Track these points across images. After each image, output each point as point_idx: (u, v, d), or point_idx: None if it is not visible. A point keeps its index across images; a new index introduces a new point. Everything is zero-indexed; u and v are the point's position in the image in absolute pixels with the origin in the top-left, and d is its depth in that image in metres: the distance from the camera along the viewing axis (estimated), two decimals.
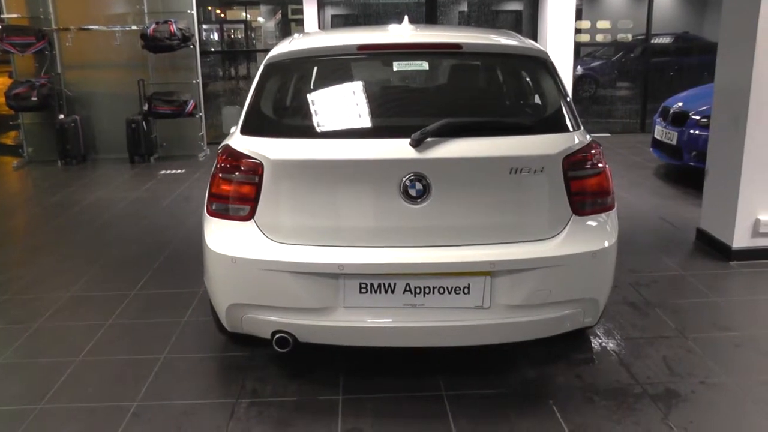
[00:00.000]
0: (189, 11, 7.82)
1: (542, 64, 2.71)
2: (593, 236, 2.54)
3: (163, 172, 7.37)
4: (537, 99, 2.65)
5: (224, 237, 2.54)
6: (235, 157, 2.52)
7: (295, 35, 3.10)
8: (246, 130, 2.60)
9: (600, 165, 2.56)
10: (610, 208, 2.61)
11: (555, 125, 2.56)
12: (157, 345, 3.23)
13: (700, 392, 2.76)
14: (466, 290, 2.44)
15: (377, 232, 2.45)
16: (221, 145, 2.70)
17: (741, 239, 4.14)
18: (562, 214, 2.51)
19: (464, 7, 10.17)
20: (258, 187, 2.47)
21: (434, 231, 2.44)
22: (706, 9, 13.38)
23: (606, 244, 2.54)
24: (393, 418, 2.60)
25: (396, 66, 2.67)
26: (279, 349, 2.55)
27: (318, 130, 2.58)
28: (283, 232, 2.48)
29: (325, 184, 2.45)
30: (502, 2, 10.90)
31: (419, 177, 2.39)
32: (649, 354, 3.08)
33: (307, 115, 2.63)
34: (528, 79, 2.68)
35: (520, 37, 2.94)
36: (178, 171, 7.41)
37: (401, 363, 2.98)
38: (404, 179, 2.39)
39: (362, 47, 2.69)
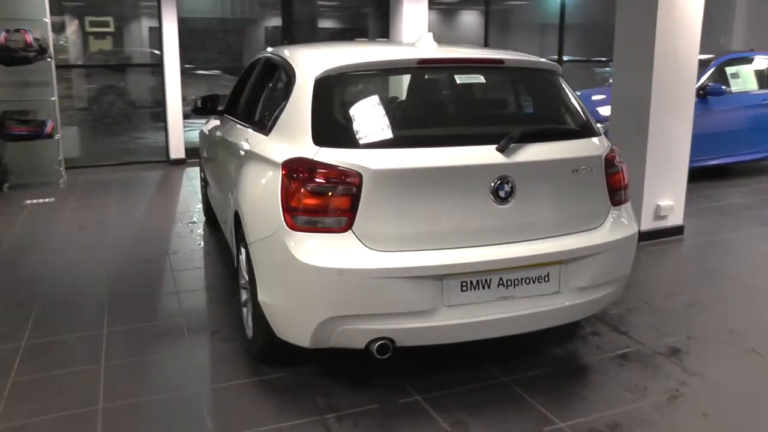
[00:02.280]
0: (44, 19, 6.95)
1: (560, 77, 3.09)
2: (627, 223, 2.97)
3: (28, 201, 6.44)
4: (568, 107, 3.02)
5: (321, 250, 2.48)
6: (326, 170, 2.50)
7: (305, 48, 3.10)
8: (324, 143, 2.58)
9: (622, 163, 3.01)
10: (629, 199, 3.07)
11: (590, 130, 2.95)
12: (179, 379, 2.99)
13: (692, 345, 3.35)
14: (546, 278, 2.70)
15: (472, 232, 2.60)
16: (288, 158, 2.62)
17: (646, 223, 4.99)
18: (604, 206, 2.90)
19: (325, 25, 10.42)
20: (356, 197, 2.48)
21: (518, 227, 2.67)
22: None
23: (636, 228, 2.99)
24: (483, 407, 2.75)
25: (458, 79, 2.84)
26: (379, 356, 2.55)
27: (408, 139, 2.65)
28: (382, 240, 2.50)
29: (423, 190, 2.53)
30: (354, 22, 11.37)
31: (506, 179, 2.61)
32: (633, 322, 3.63)
33: (392, 125, 2.67)
34: (558, 89, 3.04)
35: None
36: (47, 200, 6.54)
37: (445, 360, 3.13)
38: (494, 182, 2.60)
39: (423, 61, 2.82)
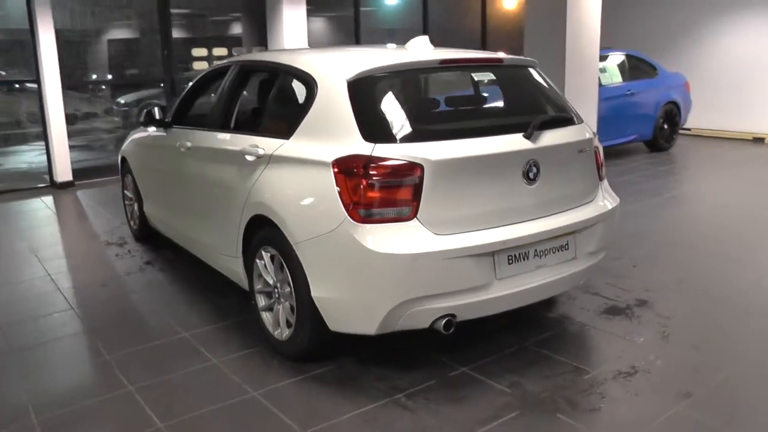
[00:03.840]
0: None
1: (539, 71, 3.50)
2: (610, 196, 3.45)
3: None
4: (557, 97, 3.42)
5: (393, 239, 2.63)
6: (390, 164, 2.65)
7: (316, 51, 3.20)
8: (377, 139, 2.72)
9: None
10: (605, 176, 3.57)
11: (579, 117, 3.39)
12: (225, 388, 2.95)
13: (653, 296, 3.93)
14: (566, 247, 3.08)
15: (510, 210, 2.89)
16: (339, 157, 2.73)
17: None
18: (595, 182, 3.35)
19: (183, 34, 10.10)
20: (419, 187, 2.66)
21: (543, 204, 3.01)
22: None
23: (618, 200, 3.48)
24: (524, 369, 3.05)
25: (476, 76, 3.11)
26: (444, 332, 2.76)
27: (452, 132, 2.86)
28: (442, 224, 2.70)
29: (471, 176, 2.78)
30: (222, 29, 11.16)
31: (534, 162, 2.94)
32: (596, 284, 4.14)
33: (435, 120, 2.85)
34: (543, 82, 3.42)
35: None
36: None
37: (463, 336, 3.40)
38: (525, 165, 2.92)
39: (444, 62, 3.07)
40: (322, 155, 2.82)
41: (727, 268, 4.44)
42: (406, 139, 2.76)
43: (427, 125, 2.87)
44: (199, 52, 10.03)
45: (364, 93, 2.87)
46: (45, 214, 6.77)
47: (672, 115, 9.31)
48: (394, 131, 2.78)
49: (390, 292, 2.67)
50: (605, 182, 3.49)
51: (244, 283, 3.51)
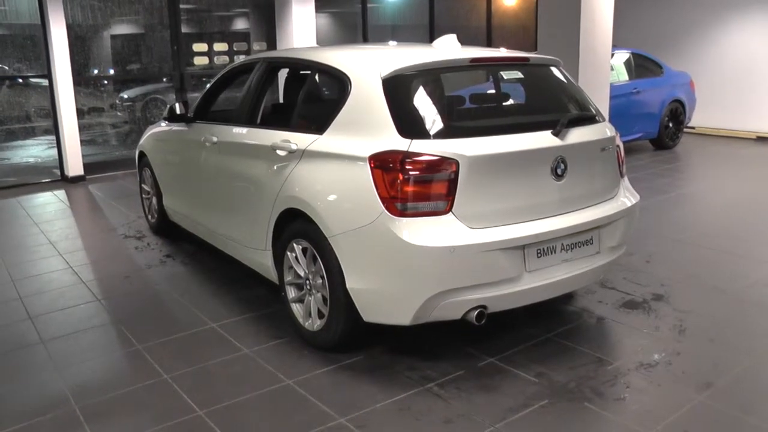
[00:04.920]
0: None
1: (562, 70, 3.59)
2: (631, 193, 3.54)
3: None
4: (581, 96, 3.51)
5: (429, 232, 2.71)
6: (426, 159, 2.73)
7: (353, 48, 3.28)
8: (413, 135, 2.80)
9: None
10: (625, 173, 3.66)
11: (602, 115, 3.48)
12: (260, 377, 3.03)
13: (669, 290, 4.03)
14: (590, 242, 3.17)
15: (539, 205, 2.98)
16: (376, 152, 2.81)
17: None
18: (617, 179, 3.44)
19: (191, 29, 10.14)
20: (454, 182, 2.75)
21: (570, 200, 3.10)
22: None
23: (638, 197, 3.57)
24: (549, 359, 3.14)
25: (505, 75, 3.20)
26: (476, 323, 2.85)
27: (485, 129, 2.95)
28: (476, 218, 2.79)
29: (503, 172, 2.87)
30: (229, 24, 11.21)
31: (562, 159, 3.03)
32: (612, 279, 4.24)
33: (468, 117, 2.94)
34: (567, 80, 3.51)
35: None
36: None
37: (488, 328, 3.48)
38: (554, 161, 3.01)
39: (474, 60, 3.15)
40: (357, 150, 2.90)
41: (737, 264, 4.54)
42: (441, 135, 2.84)
43: (461, 122, 2.96)
44: (201, 47, 10.04)
45: (398, 90, 2.95)
46: (59, 207, 6.83)
47: (677, 114, 9.42)
48: (429, 127, 2.86)
49: (426, 284, 2.75)
50: (626, 179, 3.58)
51: (272, 276, 3.58)
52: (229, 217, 4.03)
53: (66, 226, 6.02)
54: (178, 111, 4.51)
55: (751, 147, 9.55)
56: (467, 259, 2.74)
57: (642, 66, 9.34)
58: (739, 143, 9.89)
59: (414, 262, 2.73)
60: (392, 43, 3.31)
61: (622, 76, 8.49)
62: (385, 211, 2.74)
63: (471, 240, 2.74)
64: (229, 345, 3.37)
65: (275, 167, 3.39)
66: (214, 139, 4.09)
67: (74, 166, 7.96)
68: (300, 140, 3.27)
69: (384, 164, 2.78)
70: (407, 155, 2.75)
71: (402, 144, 2.79)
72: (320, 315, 3.21)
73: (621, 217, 3.31)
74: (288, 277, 3.40)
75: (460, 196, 2.76)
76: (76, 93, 8.09)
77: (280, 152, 3.37)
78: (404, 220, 2.73)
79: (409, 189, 2.74)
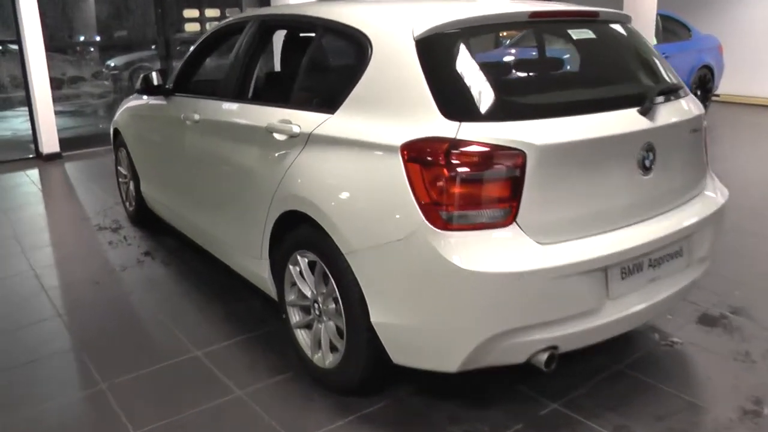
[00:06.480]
0: None
1: (632, 27, 2.80)
2: (719, 184, 2.80)
3: None
4: (660, 61, 2.73)
5: (485, 251, 1.98)
6: (482, 150, 1.98)
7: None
8: (462, 117, 2.04)
9: None
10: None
11: (684, 86, 2.71)
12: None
13: (746, 299, 3.30)
14: (680, 253, 2.43)
15: (623, 209, 2.24)
16: (412, 140, 2.05)
17: None
18: (704, 169, 2.70)
19: None
20: (519, 181, 2.00)
21: (658, 199, 2.36)
22: None
23: (727, 191, 2.83)
24: (625, 404, 2.45)
25: (575, 34, 2.44)
26: (545, 369, 2.14)
27: (557, 107, 2.17)
28: (546, 230, 2.06)
29: (582, 165, 2.12)
30: None
31: (651, 146, 2.29)
32: None
33: (534, 91, 2.20)
34: (641, 42, 2.73)
35: None
36: None
37: None
38: (641, 149, 2.26)
39: (535, 14, 2.36)
40: (384, 136, 2.15)
41: None
42: (499, 116, 2.07)
43: (523, 98, 2.21)
44: (191, 13, 9.21)
45: (438, 54, 2.17)
46: (29, 191, 6.06)
47: (705, 81, 8.65)
48: (484, 106, 2.09)
49: (481, 322, 2.02)
50: (709, 169, 2.84)
51: (270, 291, 2.87)
52: (215, 214, 3.29)
53: (34, 215, 5.27)
54: (155, 81, 3.73)
55: None
56: (539, 288, 2.01)
57: (669, 29, 8.52)
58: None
59: (466, 293, 1.99)
60: None
61: (650, 39, 7.66)
62: (425, 221, 2.00)
63: (543, 262, 2.00)
64: (218, 384, 2.65)
65: (271, 155, 2.65)
66: (196, 116, 3.32)
67: (49, 142, 7.16)
68: (304, 121, 2.50)
69: (423, 156, 2.03)
70: (455, 144, 2.00)
71: (448, 128, 2.03)
72: (332, 347, 2.50)
73: (714, 220, 2.58)
74: (290, 297, 2.68)
75: (527, 200, 2.02)
76: (52, 60, 7.28)
77: (278, 136, 2.61)
78: (451, 234, 1.99)
79: (459, 191, 1.99)
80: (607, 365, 2.73)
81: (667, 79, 2.61)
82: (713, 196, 2.67)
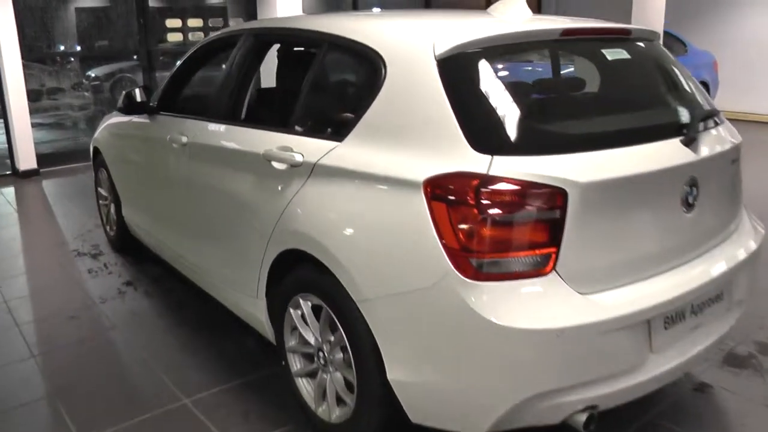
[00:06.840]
0: None
1: (661, 46, 2.60)
2: (754, 218, 2.59)
3: None
4: (693, 84, 2.52)
5: (521, 304, 1.74)
6: (518, 188, 1.74)
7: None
8: (494, 149, 1.80)
9: None
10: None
11: (719, 112, 2.50)
12: None
13: None
14: (721, 297, 2.21)
15: (666, 251, 2.02)
16: (436, 174, 1.81)
17: None
18: (739, 202, 2.49)
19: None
20: (559, 223, 1.77)
21: (698, 239, 2.14)
22: None
23: (764, 226, 2.61)
24: None
25: (609, 54, 2.22)
26: (583, 431, 1.90)
27: (599, 138, 1.94)
28: (588, 278, 1.82)
29: (625, 204, 1.89)
30: None
31: (693, 181, 2.07)
32: None
33: (573, 119, 1.97)
34: (673, 62, 2.52)
35: None
36: None
37: None
38: (686, 184, 2.04)
39: (567, 32, 2.13)
40: (403, 170, 1.90)
41: None
42: (536, 148, 1.83)
43: (562, 127, 1.98)
44: (174, 23, 8.94)
45: (464, 77, 1.93)
46: (4, 211, 5.72)
47: None
48: (518, 137, 1.85)
49: (516, 383, 1.78)
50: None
51: (267, 333, 2.60)
52: (204, 247, 3.01)
53: (8, 239, 4.94)
54: (138, 98, 3.46)
55: None
56: (581, 344, 1.77)
57: (666, 44, 8.36)
58: (762, 128, 9.04)
59: (499, 351, 1.75)
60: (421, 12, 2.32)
61: None
62: (453, 269, 1.75)
63: (586, 317, 1.76)
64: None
65: (269, 187, 2.39)
66: (184, 139, 3.05)
67: (26, 158, 6.82)
68: (307, 149, 2.25)
69: (449, 195, 1.79)
70: (487, 180, 1.76)
71: (478, 162, 1.79)
72: (339, 401, 2.24)
73: (753, 259, 2.37)
74: (291, 342, 2.42)
75: (567, 244, 1.78)
76: (31, 71, 6.97)
77: (277, 165, 2.35)
78: (484, 285, 1.74)
79: (491, 235, 1.75)
80: (637, 415, 2.50)
81: (704, 104, 2.40)
82: (751, 231, 2.46)
